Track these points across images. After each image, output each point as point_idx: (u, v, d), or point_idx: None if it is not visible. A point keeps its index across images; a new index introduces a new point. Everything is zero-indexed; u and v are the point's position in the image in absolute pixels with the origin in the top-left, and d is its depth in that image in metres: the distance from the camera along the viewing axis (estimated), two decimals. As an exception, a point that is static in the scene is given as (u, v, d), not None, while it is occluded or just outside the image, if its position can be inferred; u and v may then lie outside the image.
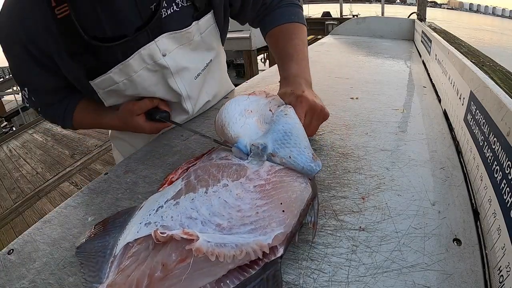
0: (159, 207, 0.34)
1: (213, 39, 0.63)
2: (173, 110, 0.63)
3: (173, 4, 0.52)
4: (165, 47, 0.53)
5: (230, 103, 0.46)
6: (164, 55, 0.54)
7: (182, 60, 0.57)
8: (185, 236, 0.27)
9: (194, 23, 0.56)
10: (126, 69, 0.51)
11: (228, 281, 0.27)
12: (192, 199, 0.33)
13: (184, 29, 0.54)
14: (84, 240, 0.35)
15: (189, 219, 0.31)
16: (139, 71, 0.52)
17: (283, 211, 0.31)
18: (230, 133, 0.41)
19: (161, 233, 0.29)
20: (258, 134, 0.42)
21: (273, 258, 0.29)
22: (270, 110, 0.46)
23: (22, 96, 0.56)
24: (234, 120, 0.43)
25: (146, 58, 0.52)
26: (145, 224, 0.32)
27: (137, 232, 0.32)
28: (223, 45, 0.71)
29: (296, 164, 0.37)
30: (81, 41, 0.46)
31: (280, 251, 0.29)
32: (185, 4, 0.54)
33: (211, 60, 0.64)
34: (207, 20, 0.59)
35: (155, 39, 0.52)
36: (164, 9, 0.51)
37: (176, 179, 0.40)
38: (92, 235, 0.36)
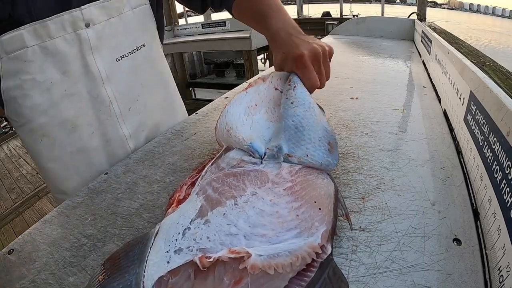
0: (185, 229, 0.30)
1: (147, 22, 0.57)
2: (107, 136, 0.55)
3: None
4: (90, 17, 0.48)
5: (230, 104, 0.43)
6: (87, 26, 0.48)
7: (106, 35, 0.51)
8: (234, 256, 0.25)
9: None
10: (41, 30, 0.45)
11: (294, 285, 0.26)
12: (224, 214, 0.31)
13: None
14: (97, 285, 0.28)
15: (230, 236, 0.29)
16: (55, 37, 0.46)
17: (320, 208, 0.31)
18: (239, 137, 0.39)
19: (206, 257, 0.26)
20: (270, 127, 0.40)
21: (325, 257, 0.28)
22: (276, 89, 0.43)
23: None
24: (241, 122, 0.40)
25: (66, 25, 0.46)
26: (175, 251, 0.28)
27: (168, 262, 0.27)
28: (161, 41, 0.64)
29: (314, 161, 0.36)
30: None
31: (329, 248, 0.29)
32: None
33: (143, 45, 0.58)
34: None
35: (82, 6, 0.47)
36: None
37: (185, 196, 0.36)
38: (107, 277, 0.28)
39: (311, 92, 0.44)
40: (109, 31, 0.51)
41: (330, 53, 0.46)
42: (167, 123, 0.67)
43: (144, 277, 0.27)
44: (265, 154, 0.38)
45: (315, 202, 0.32)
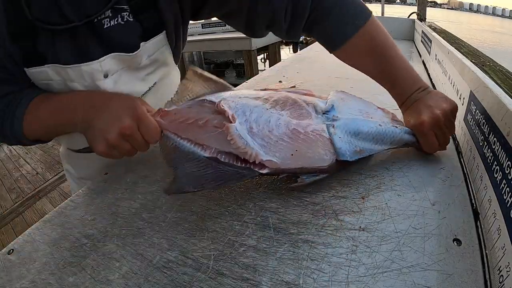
0: (240, 96, 0.45)
1: (163, 59, 0.56)
2: None
3: (118, 16, 0.46)
4: (108, 68, 0.48)
5: (363, 100, 0.51)
6: (105, 77, 0.48)
7: (124, 83, 0.51)
8: (230, 117, 0.41)
9: (141, 44, 0.49)
10: (62, 72, 0.46)
11: (223, 156, 0.40)
12: (256, 106, 0.44)
13: (134, 53, 0.48)
14: (200, 75, 0.50)
15: (242, 113, 0.42)
16: (74, 82, 0.47)
17: (292, 155, 0.40)
18: (339, 100, 0.48)
19: (222, 106, 0.42)
20: (359, 121, 0.45)
21: (256, 170, 0.39)
22: (380, 125, 0.45)
23: None
24: (351, 104, 0.48)
25: (85, 76, 0.47)
26: (224, 98, 0.45)
27: (216, 98, 0.45)
28: (176, 62, 0.63)
29: (336, 142, 0.41)
30: (25, 21, 0.42)
31: (264, 170, 0.39)
32: (131, 20, 0.47)
33: (155, 83, 0.57)
34: (158, 41, 0.51)
35: (100, 59, 0.46)
36: (107, 20, 0.46)
37: (277, 90, 0.50)
38: (204, 80, 0.49)
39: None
40: (125, 80, 0.51)
41: (453, 110, 0.44)
42: None
43: (206, 96, 0.47)
44: (327, 112, 0.45)
45: (296, 150, 0.40)
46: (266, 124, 0.42)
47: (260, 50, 3.73)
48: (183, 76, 0.53)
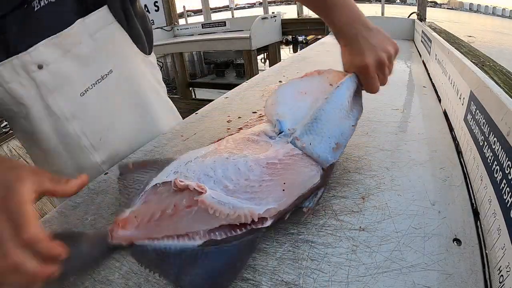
0: (189, 161, 0.39)
1: (117, 44, 0.50)
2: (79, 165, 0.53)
3: None
4: (42, 58, 0.44)
5: (285, 85, 0.47)
6: (40, 68, 0.44)
7: (64, 73, 0.46)
8: (197, 188, 0.34)
9: (78, 21, 0.44)
10: None
11: (217, 233, 0.33)
12: (214, 161, 0.38)
13: (64, 31, 0.43)
14: (126, 170, 0.44)
15: (206, 176, 0.36)
16: (11, 82, 0.43)
17: (283, 190, 0.35)
18: (277, 111, 0.44)
19: (180, 181, 0.35)
20: (306, 114, 0.42)
21: (259, 227, 0.33)
22: (330, 84, 0.44)
23: None
24: (284, 100, 0.45)
25: (18, 70, 0.43)
26: (174, 172, 0.38)
27: (166, 177, 0.38)
28: (145, 52, 0.57)
29: (313, 152, 0.38)
30: None
31: (268, 222, 0.34)
32: None
33: (110, 71, 0.51)
34: (100, 17, 0.46)
35: (29, 49, 0.43)
36: (37, 1, 0.41)
37: (214, 143, 0.45)
38: (133, 169, 0.44)
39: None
40: (67, 68, 0.46)
41: (396, 53, 0.44)
42: (145, 139, 0.61)
43: (152, 180, 0.39)
44: (281, 132, 0.41)
45: (284, 183, 0.36)
46: (237, 174, 0.36)
47: (260, 50, 3.73)
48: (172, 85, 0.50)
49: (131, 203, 0.38)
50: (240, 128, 0.51)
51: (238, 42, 3.17)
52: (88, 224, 0.40)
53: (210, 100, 0.83)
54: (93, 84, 0.50)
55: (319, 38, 1.81)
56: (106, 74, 0.51)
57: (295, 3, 5.75)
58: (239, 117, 0.65)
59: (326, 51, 1.28)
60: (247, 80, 0.96)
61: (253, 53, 3.30)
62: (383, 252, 0.31)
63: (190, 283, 0.30)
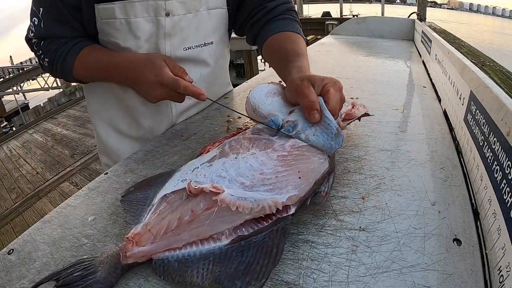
0: (195, 168, 0.40)
1: (220, 24, 0.64)
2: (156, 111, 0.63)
3: None
4: (171, 8, 0.56)
5: (254, 89, 0.50)
6: (167, 15, 0.56)
7: (180, 27, 0.58)
8: (213, 189, 0.33)
9: None
10: (129, 8, 0.53)
11: (243, 229, 0.33)
12: (224, 162, 0.39)
13: None
14: (129, 191, 0.42)
15: (219, 177, 0.36)
16: (138, 17, 0.54)
17: (300, 178, 0.36)
18: (262, 112, 0.46)
19: (194, 186, 0.34)
20: (286, 107, 0.46)
21: (284, 215, 0.33)
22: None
23: (29, 27, 0.56)
24: (262, 101, 0.48)
25: (150, 10, 0.54)
26: (182, 180, 0.38)
27: (174, 186, 0.38)
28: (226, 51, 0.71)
29: (317, 142, 0.40)
30: None
31: (292, 210, 0.34)
32: None
33: (211, 43, 0.65)
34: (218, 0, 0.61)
35: None
36: None
37: (210, 149, 0.46)
38: (136, 189, 0.42)
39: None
40: (184, 23, 0.59)
41: (340, 86, 0.48)
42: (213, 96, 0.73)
43: (158, 193, 0.39)
44: (282, 127, 0.43)
45: (298, 171, 0.37)
46: (251, 170, 0.37)
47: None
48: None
49: (140, 219, 0.36)
50: (240, 129, 0.52)
51: (238, 42, 3.17)
52: (88, 224, 0.40)
53: (210, 100, 0.82)
54: (196, 45, 0.63)
55: (319, 38, 1.81)
56: (207, 43, 0.64)
57: (294, 3, 5.75)
58: (239, 117, 0.65)
59: (326, 51, 1.28)
60: (247, 80, 0.96)
61: (253, 53, 3.30)
62: (383, 252, 0.31)
63: (226, 278, 0.29)
